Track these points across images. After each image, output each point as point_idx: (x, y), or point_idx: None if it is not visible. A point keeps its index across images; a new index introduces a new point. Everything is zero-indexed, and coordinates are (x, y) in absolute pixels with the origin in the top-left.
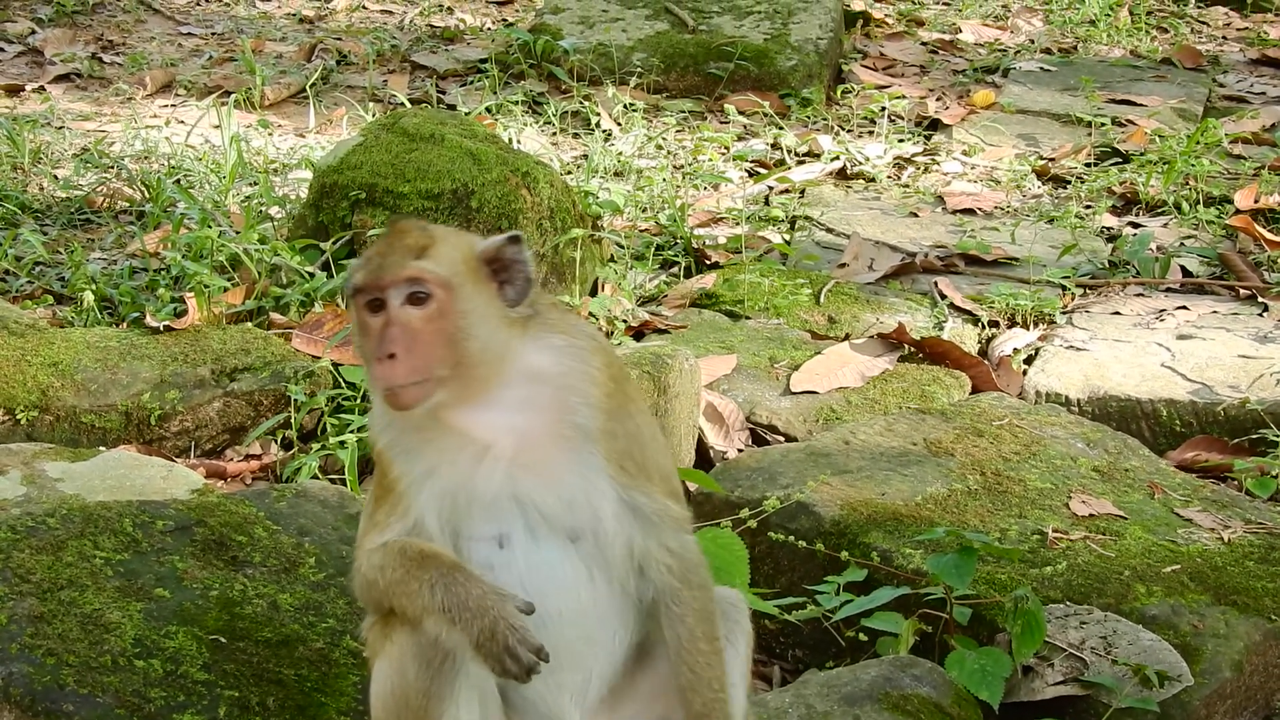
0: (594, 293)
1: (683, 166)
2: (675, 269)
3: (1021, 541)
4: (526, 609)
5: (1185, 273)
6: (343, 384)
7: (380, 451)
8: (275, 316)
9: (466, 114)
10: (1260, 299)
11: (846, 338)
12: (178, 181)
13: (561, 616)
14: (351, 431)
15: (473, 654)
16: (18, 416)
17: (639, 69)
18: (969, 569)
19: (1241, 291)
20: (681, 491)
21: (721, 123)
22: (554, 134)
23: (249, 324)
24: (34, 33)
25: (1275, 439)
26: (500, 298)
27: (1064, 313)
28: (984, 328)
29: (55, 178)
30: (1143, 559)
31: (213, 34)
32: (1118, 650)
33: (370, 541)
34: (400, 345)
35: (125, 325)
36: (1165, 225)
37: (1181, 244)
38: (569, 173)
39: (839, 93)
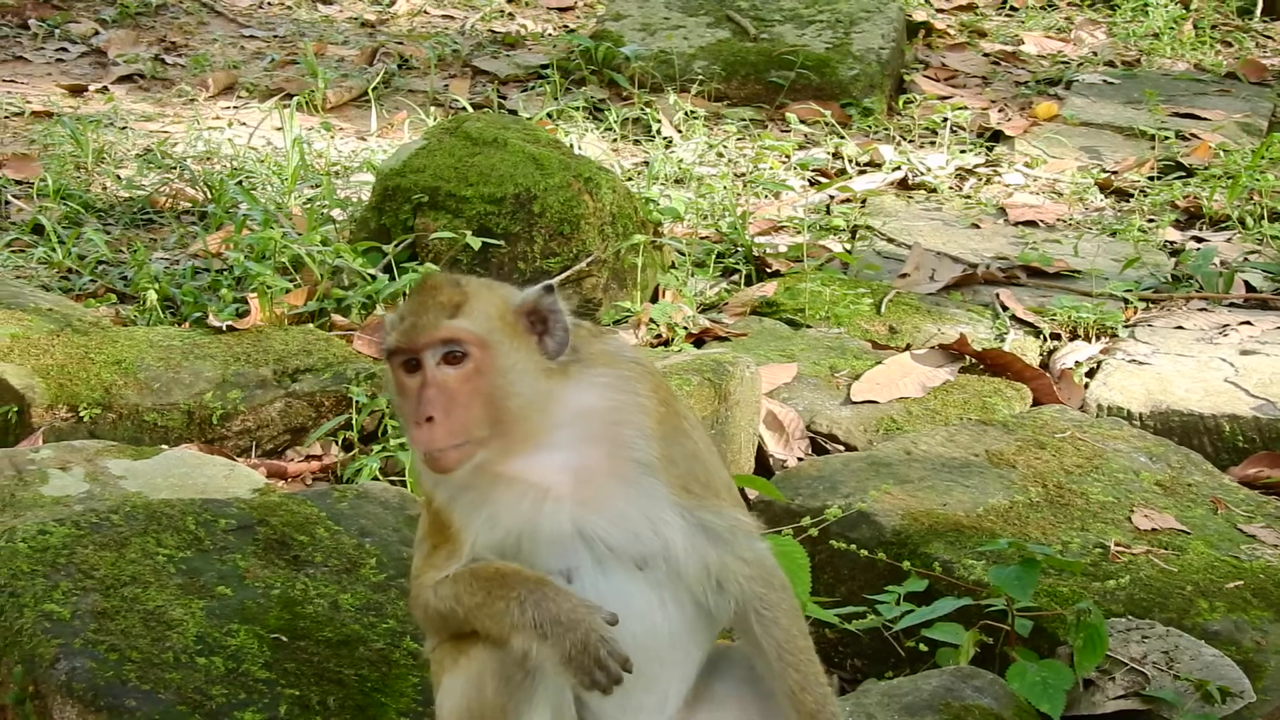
0: (654, 299)
1: (743, 174)
2: (736, 277)
3: (1083, 554)
4: (612, 620)
5: (1249, 288)
6: None
7: (435, 507)
8: (337, 318)
9: (528, 119)
10: None
11: (908, 348)
12: (240, 183)
13: (635, 641)
14: None
15: (561, 667)
16: (81, 414)
17: (700, 76)
18: (1031, 581)
19: None
20: (741, 499)
21: (783, 131)
22: (615, 140)
23: (311, 325)
24: (97, 34)
25: None
26: (539, 350)
27: (1126, 326)
28: (1045, 340)
29: (118, 178)
30: (1205, 574)
31: (275, 37)
32: (1179, 665)
33: (430, 578)
34: (438, 407)
35: (188, 325)
36: (1229, 240)
37: (1245, 259)
38: (630, 179)
39: (900, 103)
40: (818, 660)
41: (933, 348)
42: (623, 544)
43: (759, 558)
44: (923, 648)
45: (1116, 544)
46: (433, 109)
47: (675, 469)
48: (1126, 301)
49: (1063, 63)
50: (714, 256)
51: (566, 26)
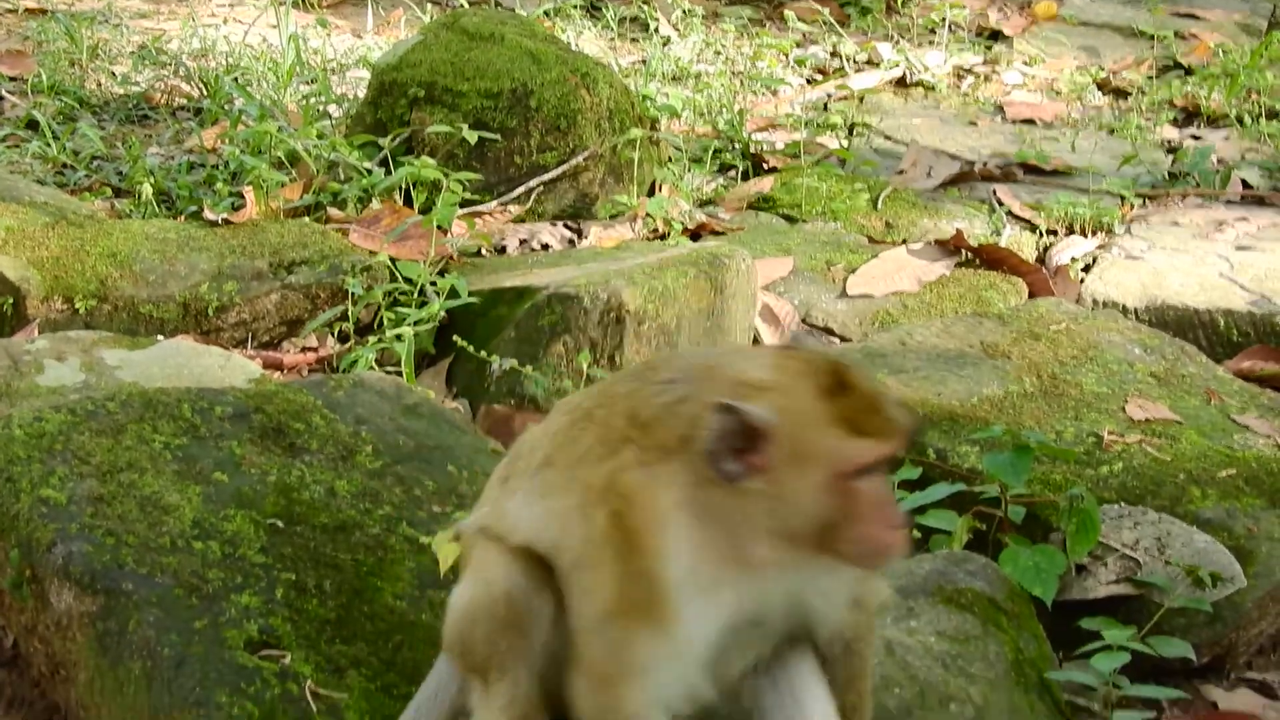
0: (651, 194)
1: (741, 73)
2: (733, 173)
3: (1077, 443)
4: None
5: (1246, 185)
6: (399, 279)
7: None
8: (333, 212)
9: (525, 16)
10: None
11: (904, 243)
12: (235, 79)
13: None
14: (408, 324)
15: None
16: (76, 306)
17: None
18: (1025, 467)
19: None
20: None
21: (780, 30)
22: (612, 39)
23: (306, 219)
24: None
25: None
26: None
27: (1123, 223)
28: (1042, 236)
29: (113, 74)
30: (1198, 463)
31: None
32: (1171, 551)
33: (634, 691)
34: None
35: (183, 218)
36: (1227, 138)
37: (1243, 157)
38: (627, 77)
39: (899, 1)
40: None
41: (929, 243)
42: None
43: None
44: (917, 534)
45: (1110, 433)
46: (429, 5)
47: None
48: (1123, 198)
49: None
50: (711, 153)
51: None
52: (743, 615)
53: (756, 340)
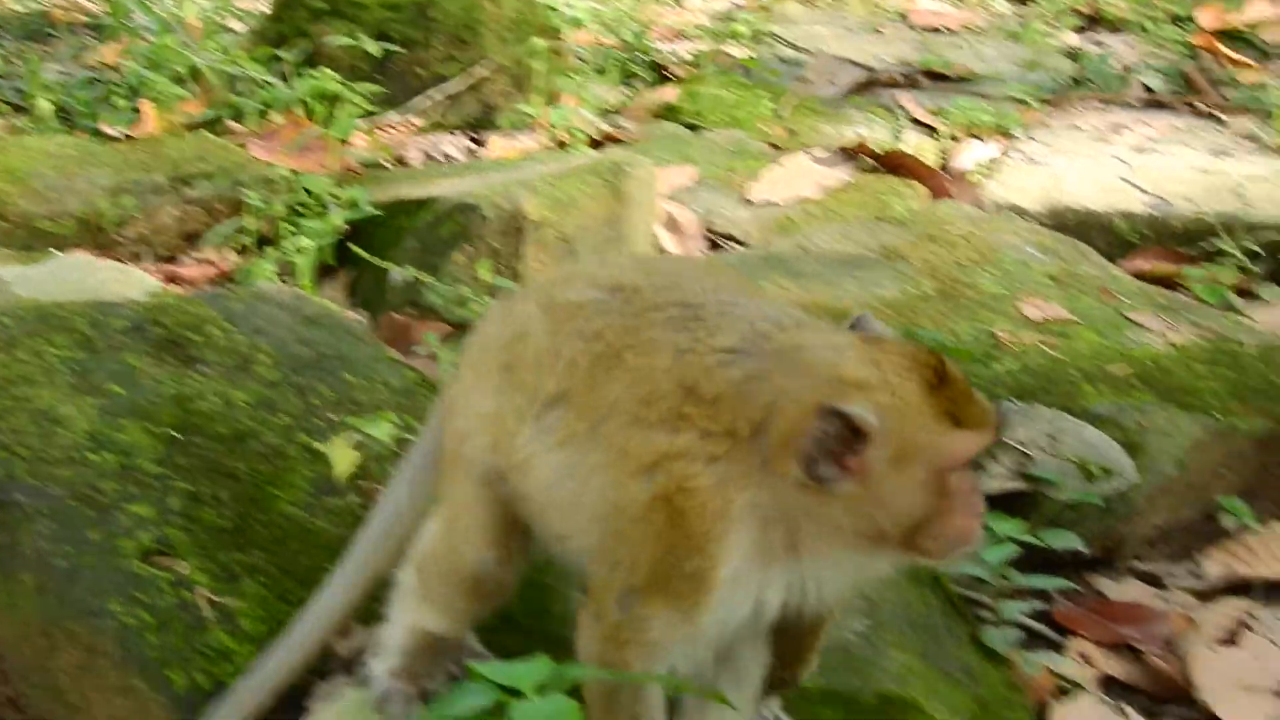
0: (554, 105)
1: None
2: (637, 83)
3: (973, 342)
4: None
5: (1146, 90)
6: (300, 192)
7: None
8: (233, 126)
9: None
10: (1219, 115)
11: (807, 150)
12: None
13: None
14: (308, 237)
15: None
16: None
17: None
18: None
19: (1201, 108)
20: None
21: None
22: None
23: (206, 133)
24: None
25: (1227, 248)
26: None
27: (1024, 128)
28: (944, 142)
29: None
30: (1091, 360)
31: None
32: (1064, 447)
33: (644, 657)
34: None
35: (82, 135)
36: (1128, 44)
37: (1144, 62)
38: None
39: None
40: None
41: (832, 150)
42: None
43: None
44: None
45: (1005, 332)
46: None
47: None
48: (1025, 103)
49: None
50: (615, 63)
51: None
52: (772, 604)
53: (659, 249)
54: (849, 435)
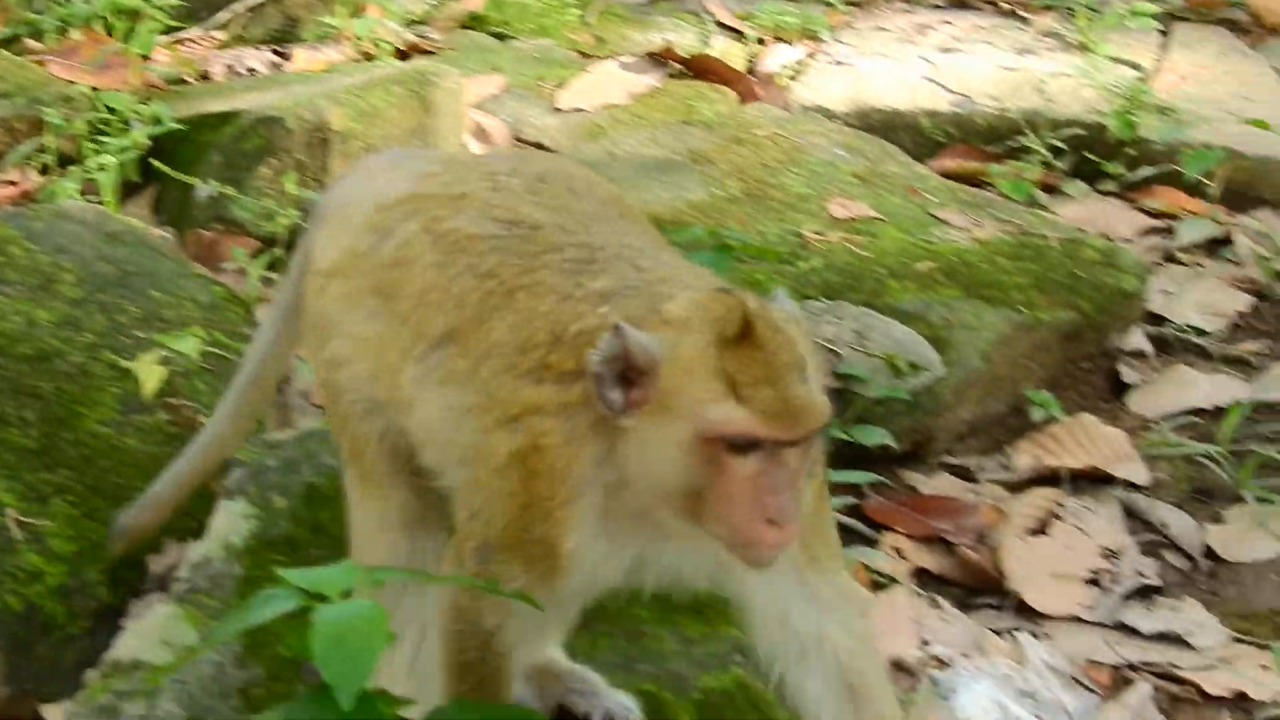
0: (359, 16)
1: None
2: None
3: (780, 243)
4: None
5: None
6: (102, 109)
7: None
8: (30, 44)
9: None
10: (1022, 14)
11: (614, 57)
12: None
13: None
14: (110, 154)
15: None
16: None
17: None
18: (725, 265)
19: (1004, 6)
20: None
21: None
22: None
23: (4, 51)
24: None
25: (1031, 145)
26: None
27: (830, 30)
28: (751, 46)
29: None
30: (897, 257)
31: None
32: (871, 344)
33: (497, 613)
34: (794, 506)
35: None
36: None
37: None
38: None
39: None
40: None
41: (639, 56)
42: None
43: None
44: None
45: (812, 232)
46: None
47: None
48: (831, 6)
49: None
50: None
51: None
52: (640, 570)
53: None
54: (633, 363)
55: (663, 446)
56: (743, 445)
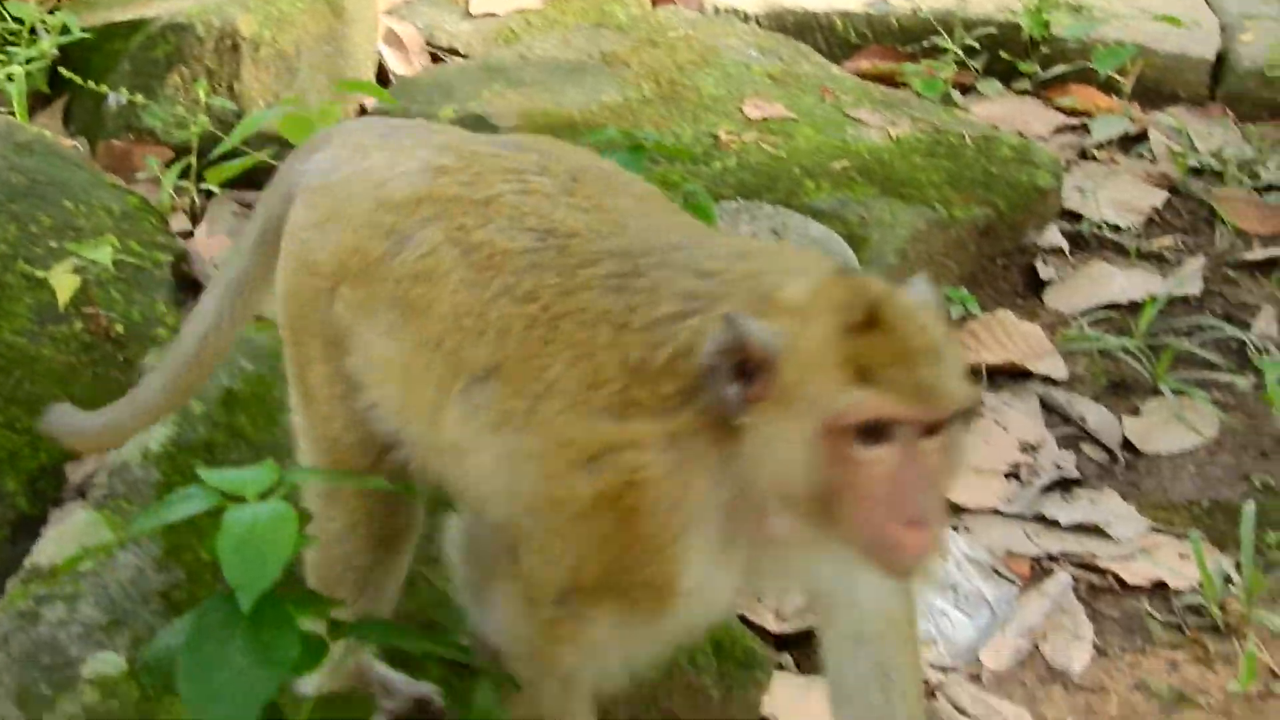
0: None
1: None
2: None
3: (695, 144)
4: None
5: None
6: (7, 18)
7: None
8: None
9: None
10: None
11: None
12: None
13: None
14: (18, 64)
15: None
16: None
17: None
18: (638, 166)
19: None
20: None
21: None
22: None
23: None
24: None
25: (945, 45)
26: None
27: None
28: None
29: None
30: (813, 157)
31: None
32: (788, 242)
33: (577, 656)
34: (937, 505)
35: None
36: None
37: None
38: None
39: None
40: None
41: None
42: None
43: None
44: None
45: (727, 132)
46: None
47: None
48: None
49: None
50: None
51: None
52: (752, 585)
53: (382, 66)
54: (751, 356)
55: (786, 444)
56: (874, 434)
